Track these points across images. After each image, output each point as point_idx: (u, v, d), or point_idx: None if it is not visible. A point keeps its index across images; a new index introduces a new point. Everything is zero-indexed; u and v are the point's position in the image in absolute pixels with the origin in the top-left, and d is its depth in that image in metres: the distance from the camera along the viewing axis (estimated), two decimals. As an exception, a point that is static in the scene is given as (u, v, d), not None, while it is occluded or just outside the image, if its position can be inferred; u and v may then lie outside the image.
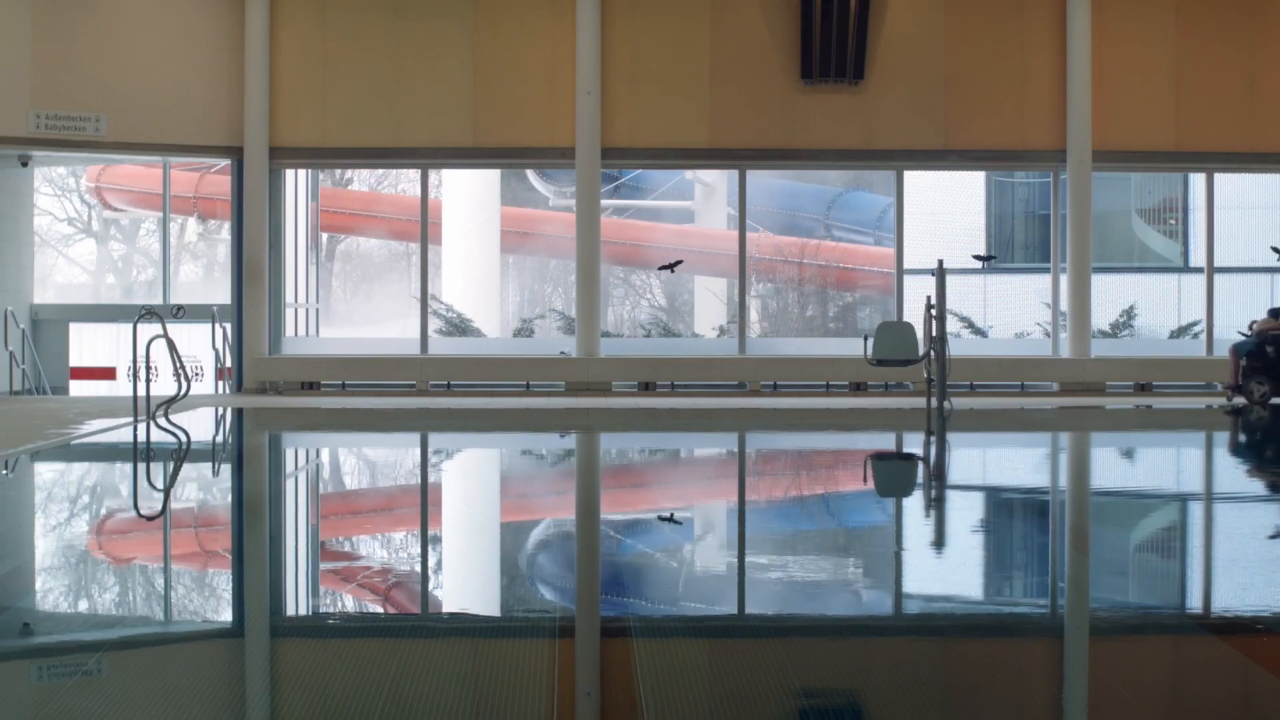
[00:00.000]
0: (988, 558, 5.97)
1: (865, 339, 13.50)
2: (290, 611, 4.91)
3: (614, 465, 9.92)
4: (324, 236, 18.55)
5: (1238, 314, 15.94)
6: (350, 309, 18.92)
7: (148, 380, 11.25)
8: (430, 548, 6.32)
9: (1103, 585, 5.31)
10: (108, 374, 16.27)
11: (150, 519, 6.84)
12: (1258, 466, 9.86)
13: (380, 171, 18.82)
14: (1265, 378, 13.68)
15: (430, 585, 5.39)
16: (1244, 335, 14.26)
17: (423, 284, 15.91)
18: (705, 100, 15.55)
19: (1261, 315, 14.26)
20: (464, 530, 6.85)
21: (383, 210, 19.42)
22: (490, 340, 17.04)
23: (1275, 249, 16.20)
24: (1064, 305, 15.76)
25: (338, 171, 18.90)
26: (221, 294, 16.43)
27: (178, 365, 11.42)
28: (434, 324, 16.32)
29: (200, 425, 11.77)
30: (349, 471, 9.69)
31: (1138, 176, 17.37)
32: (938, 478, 8.73)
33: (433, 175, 16.86)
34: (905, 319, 14.81)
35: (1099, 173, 15.80)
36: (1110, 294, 16.76)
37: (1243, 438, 11.83)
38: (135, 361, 11.62)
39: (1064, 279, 15.72)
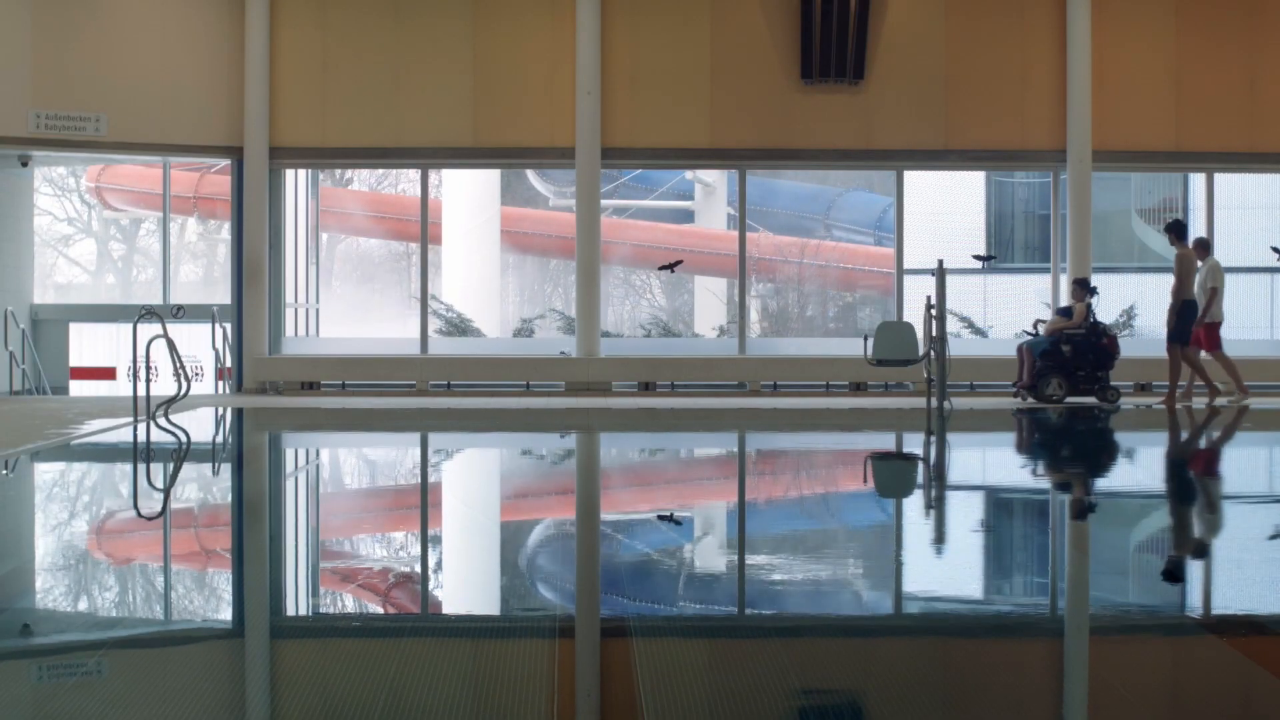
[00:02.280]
0: (987, 558, 5.97)
1: (865, 339, 13.51)
2: (290, 611, 4.91)
3: (614, 465, 9.92)
4: (324, 236, 18.55)
5: (1237, 314, 15.90)
6: (350, 309, 18.92)
7: (148, 380, 11.25)
8: (430, 548, 6.32)
9: (1102, 585, 5.31)
10: (108, 374, 16.27)
11: (150, 519, 6.84)
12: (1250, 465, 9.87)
13: (380, 171, 18.82)
14: (1060, 376, 13.65)
15: (430, 585, 5.39)
16: (1030, 334, 14.19)
17: (423, 284, 15.91)
18: (705, 100, 15.55)
19: (1050, 316, 14.19)
20: (464, 530, 6.85)
21: (380, 210, 19.43)
22: (490, 340, 17.05)
23: (1275, 249, 16.20)
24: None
25: (338, 171, 18.90)
26: (221, 294, 16.43)
27: (178, 365, 11.42)
28: (434, 324, 16.32)
29: (200, 425, 11.77)
30: (349, 471, 9.69)
31: (1138, 176, 17.37)
32: (938, 478, 8.73)
33: (433, 175, 16.86)
34: (905, 319, 14.82)
35: (1099, 173, 15.80)
36: (1110, 294, 16.76)
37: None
38: (135, 361, 11.61)
39: (1064, 279, 15.72)
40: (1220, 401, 13.58)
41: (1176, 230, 13.72)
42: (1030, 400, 13.80)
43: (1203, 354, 13.63)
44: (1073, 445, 11.26)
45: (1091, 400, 13.76)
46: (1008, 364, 15.71)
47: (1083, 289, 13.97)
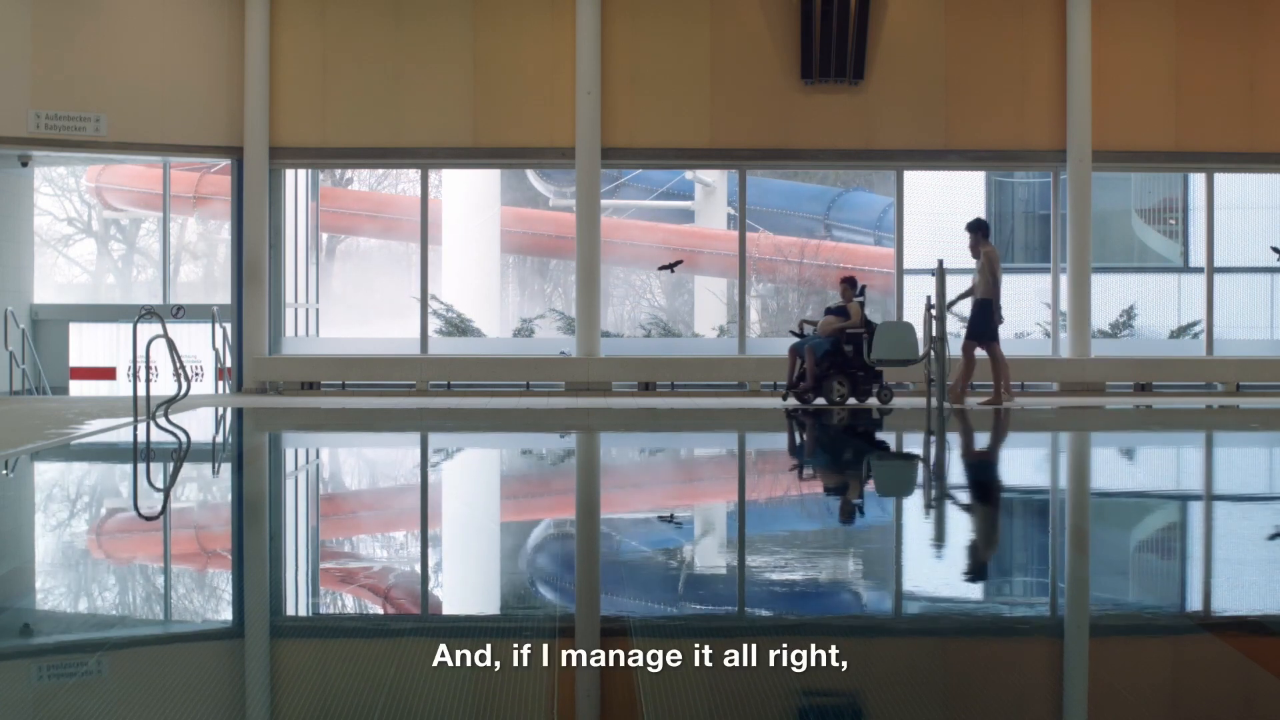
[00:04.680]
0: (988, 558, 5.97)
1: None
2: (290, 611, 4.91)
3: (614, 465, 9.92)
4: (324, 236, 18.55)
5: (1238, 314, 15.93)
6: (350, 309, 18.92)
7: (148, 380, 11.25)
8: (430, 548, 6.32)
9: (1103, 585, 5.31)
10: (108, 374, 16.27)
11: (150, 519, 6.84)
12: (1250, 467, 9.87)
13: (380, 171, 18.82)
14: (844, 378, 13.22)
15: (430, 585, 5.39)
16: (798, 335, 13.72)
17: (423, 284, 15.91)
18: (705, 100, 15.55)
19: (821, 317, 13.78)
20: (464, 530, 6.85)
21: (382, 210, 19.43)
22: (490, 340, 17.04)
23: (1275, 249, 16.21)
24: (1064, 305, 15.76)
25: (338, 171, 18.90)
26: (221, 294, 16.43)
27: (178, 365, 11.42)
28: (434, 324, 16.32)
29: (200, 425, 11.77)
30: (349, 471, 9.69)
31: (1138, 176, 17.37)
32: (938, 478, 8.73)
33: (433, 175, 16.86)
34: (905, 319, 14.81)
35: (1099, 173, 15.80)
36: (1110, 294, 16.77)
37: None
38: (135, 361, 11.62)
39: (1064, 279, 15.72)
40: (973, 401, 13.48)
41: (983, 229, 13.50)
42: (816, 402, 13.21)
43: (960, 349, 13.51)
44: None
45: (856, 400, 13.32)
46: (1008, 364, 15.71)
47: (850, 288, 13.54)
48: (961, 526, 6.83)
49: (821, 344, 13.29)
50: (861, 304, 13.56)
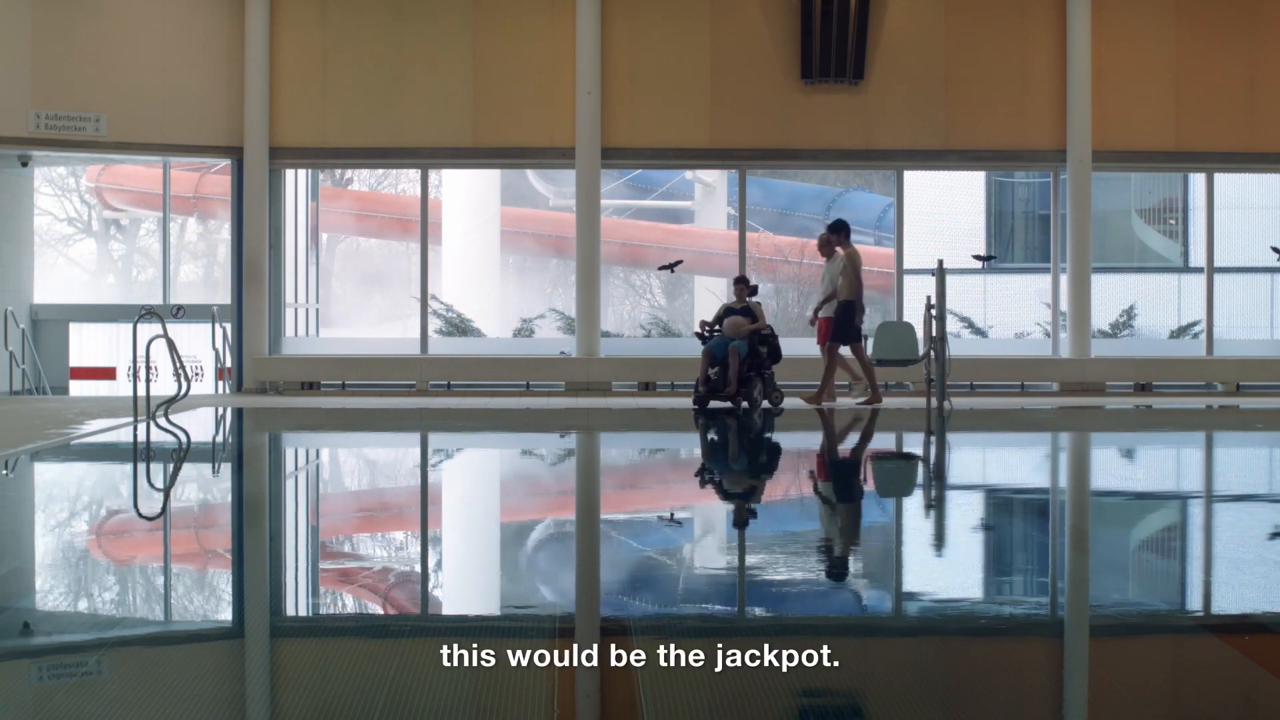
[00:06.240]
0: (987, 558, 5.97)
1: (865, 339, 13.50)
2: (290, 611, 4.91)
3: (614, 465, 9.92)
4: (324, 236, 18.55)
5: (1238, 314, 15.93)
6: (350, 309, 18.91)
7: (148, 380, 11.25)
8: (430, 548, 6.32)
9: (1103, 585, 5.31)
10: (108, 374, 16.27)
11: (150, 519, 6.84)
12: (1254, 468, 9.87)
13: (380, 171, 18.82)
14: (759, 378, 12.97)
15: (430, 585, 5.39)
16: (701, 335, 13.33)
17: (423, 284, 15.90)
18: (705, 100, 15.55)
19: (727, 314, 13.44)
20: (464, 530, 6.85)
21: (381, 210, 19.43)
22: (490, 340, 17.04)
23: (1275, 249, 16.21)
24: (1064, 305, 15.76)
25: (338, 171, 18.90)
26: (221, 294, 16.43)
27: (178, 365, 11.42)
28: (434, 324, 16.32)
29: (200, 425, 11.77)
30: (349, 471, 9.69)
31: (1138, 176, 17.37)
32: (938, 478, 8.73)
33: (433, 175, 16.86)
34: (905, 319, 14.81)
35: (1099, 173, 15.79)
36: (1110, 294, 16.77)
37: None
38: (135, 361, 11.62)
39: (1064, 279, 15.72)
40: (853, 401, 13.54)
41: (844, 230, 13.41)
42: (743, 405, 12.91)
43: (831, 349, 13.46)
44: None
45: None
46: (1008, 364, 15.75)
47: (745, 286, 13.33)
48: (963, 527, 6.82)
49: (742, 346, 12.99)
50: (759, 304, 13.41)
